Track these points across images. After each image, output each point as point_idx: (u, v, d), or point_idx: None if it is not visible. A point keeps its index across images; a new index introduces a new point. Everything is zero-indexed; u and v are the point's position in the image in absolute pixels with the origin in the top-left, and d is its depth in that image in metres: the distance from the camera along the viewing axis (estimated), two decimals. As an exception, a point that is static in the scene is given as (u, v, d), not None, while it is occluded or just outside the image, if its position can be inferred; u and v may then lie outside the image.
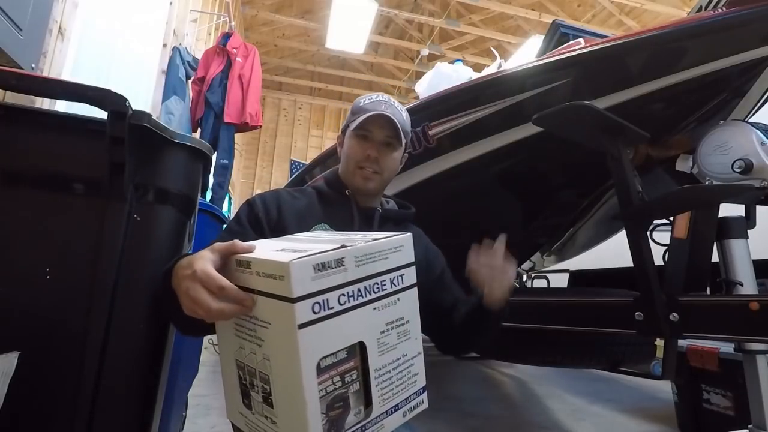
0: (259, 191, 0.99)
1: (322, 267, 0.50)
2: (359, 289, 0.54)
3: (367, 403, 0.55)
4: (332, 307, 0.51)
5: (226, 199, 4.08)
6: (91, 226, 0.71)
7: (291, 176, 6.52)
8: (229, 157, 3.25)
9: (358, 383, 0.55)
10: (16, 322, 0.67)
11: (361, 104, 0.95)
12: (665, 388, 2.34)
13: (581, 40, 1.50)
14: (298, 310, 0.48)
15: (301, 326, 0.48)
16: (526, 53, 4.66)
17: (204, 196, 0.96)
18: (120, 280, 0.71)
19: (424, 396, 0.62)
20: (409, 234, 0.62)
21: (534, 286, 2.90)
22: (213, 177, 3.16)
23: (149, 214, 0.75)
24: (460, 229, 1.70)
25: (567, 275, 2.93)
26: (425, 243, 1.00)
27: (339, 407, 0.53)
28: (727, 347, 1.72)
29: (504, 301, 0.81)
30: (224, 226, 1.48)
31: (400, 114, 0.94)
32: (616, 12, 6.12)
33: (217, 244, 0.57)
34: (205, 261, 0.55)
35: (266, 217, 0.86)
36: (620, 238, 1.34)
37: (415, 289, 0.61)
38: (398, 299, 0.59)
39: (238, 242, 0.56)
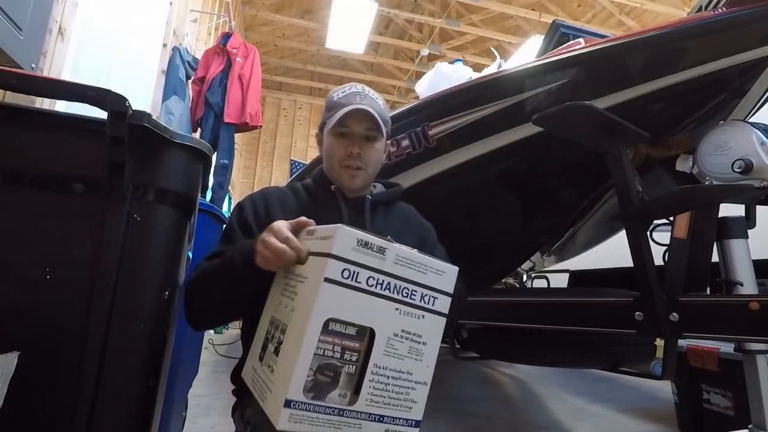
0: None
1: (365, 244, 0.56)
2: (389, 283, 0.58)
3: (356, 391, 0.56)
4: (359, 282, 0.56)
5: (226, 199, 4.08)
6: (91, 226, 0.71)
7: (291, 176, 6.51)
8: (229, 157, 3.25)
9: (354, 367, 0.56)
10: (16, 322, 0.67)
11: (335, 99, 0.93)
12: (665, 388, 2.34)
13: (581, 40, 1.50)
14: (330, 265, 0.54)
15: (327, 280, 0.54)
16: (526, 53, 4.66)
17: (204, 196, 0.96)
18: (120, 280, 0.71)
19: (415, 431, 0.61)
20: (456, 268, 0.63)
21: (534, 286, 2.90)
22: (213, 177, 3.16)
23: (149, 214, 0.75)
24: (459, 229, 1.70)
25: (567, 275, 2.93)
26: (417, 220, 1.01)
27: (328, 376, 0.54)
28: (727, 347, 1.71)
29: None
30: (224, 226, 1.48)
31: (377, 103, 0.92)
32: (616, 12, 6.11)
33: (290, 221, 0.67)
34: (280, 222, 0.67)
35: (255, 218, 0.86)
36: (620, 238, 1.34)
37: (443, 319, 0.62)
38: (423, 316, 0.60)
39: (305, 218, 0.67)
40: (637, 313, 1.11)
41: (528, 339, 1.66)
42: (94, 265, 0.70)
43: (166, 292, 0.76)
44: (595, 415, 2.21)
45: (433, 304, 0.61)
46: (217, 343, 3.16)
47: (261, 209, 0.88)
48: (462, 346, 2.91)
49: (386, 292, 0.57)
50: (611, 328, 1.24)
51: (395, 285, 0.58)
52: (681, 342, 1.84)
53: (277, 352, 0.58)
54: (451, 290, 0.63)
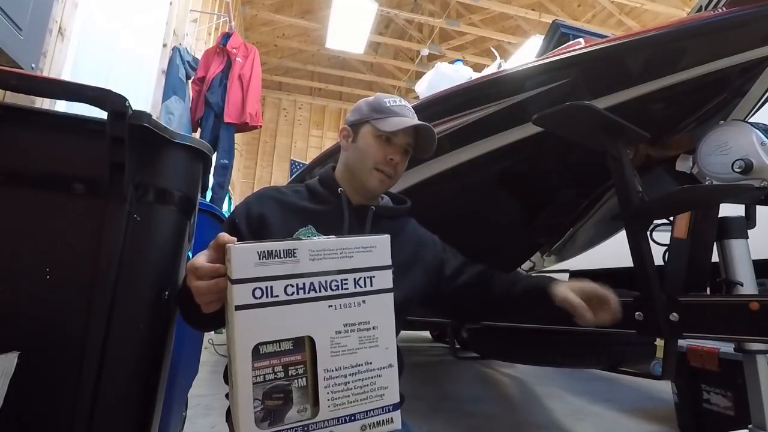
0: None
1: (267, 255, 0.52)
2: (312, 283, 0.54)
3: (315, 402, 0.53)
4: (276, 296, 0.52)
5: (226, 199, 4.08)
6: (91, 226, 0.71)
7: (291, 176, 6.52)
8: (229, 157, 3.25)
9: (304, 379, 0.53)
10: (16, 322, 0.67)
11: (387, 105, 0.94)
12: (665, 388, 2.34)
13: (581, 40, 1.50)
14: (236, 292, 0.51)
15: (238, 308, 0.51)
16: (526, 53, 4.66)
17: (204, 196, 0.96)
18: (120, 280, 0.71)
19: (395, 414, 0.58)
20: (387, 236, 0.60)
21: (534, 286, 2.89)
22: (213, 177, 3.17)
23: (149, 214, 0.75)
24: (459, 230, 1.70)
25: (567, 275, 2.92)
26: (417, 235, 1.00)
27: (278, 398, 0.52)
28: (727, 347, 1.72)
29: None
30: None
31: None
32: (616, 12, 6.11)
33: (210, 248, 0.62)
34: (197, 255, 0.62)
35: (249, 231, 0.84)
36: (620, 238, 1.34)
37: (389, 295, 0.58)
38: (363, 301, 0.56)
39: (222, 234, 0.60)
40: (637, 313, 1.11)
41: (528, 339, 1.66)
42: (94, 265, 0.70)
43: (166, 292, 0.76)
44: (595, 415, 2.21)
45: (371, 285, 0.57)
46: (217, 343, 3.16)
47: (255, 218, 0.85)
48: (462, 346, 2.91)
49: (311, 294, 0.53)
50: (611, 328, 1.23)
51: (320, 283, 0.54)
52: (681, 342, 1.84)
53: (232, 383, 0.56)
54: (387, 262, 0.58)
